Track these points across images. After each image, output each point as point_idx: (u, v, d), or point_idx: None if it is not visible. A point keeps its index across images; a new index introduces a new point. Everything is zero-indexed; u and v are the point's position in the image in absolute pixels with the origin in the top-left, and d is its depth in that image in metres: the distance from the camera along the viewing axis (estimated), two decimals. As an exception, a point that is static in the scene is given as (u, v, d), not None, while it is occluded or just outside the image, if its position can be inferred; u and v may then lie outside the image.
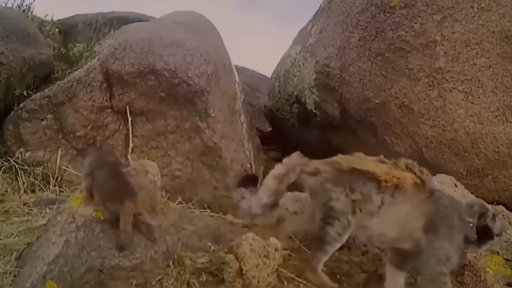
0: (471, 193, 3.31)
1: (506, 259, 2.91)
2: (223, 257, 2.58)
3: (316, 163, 2.68)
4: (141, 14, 6.22)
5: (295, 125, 4.97)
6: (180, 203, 3.52)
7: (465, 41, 3.62)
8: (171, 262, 2.52)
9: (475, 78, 3.60)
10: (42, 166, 3.73)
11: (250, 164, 4.41)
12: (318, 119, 4.49)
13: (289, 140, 5.16)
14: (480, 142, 3.61)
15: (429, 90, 3.70)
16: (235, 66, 4.83)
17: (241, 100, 4.66)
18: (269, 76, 5.85)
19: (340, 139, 4.43)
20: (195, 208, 3.58)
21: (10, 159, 3.76)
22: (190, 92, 3.90)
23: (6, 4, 4.93)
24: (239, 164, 4.27)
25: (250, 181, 2.95)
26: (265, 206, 2.72)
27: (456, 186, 3.23)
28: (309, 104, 4.52)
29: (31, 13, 5.14)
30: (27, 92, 3.97)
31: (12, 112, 3.93)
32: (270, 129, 5.78)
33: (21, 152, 3.81)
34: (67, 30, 5.54)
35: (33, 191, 3.61)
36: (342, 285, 2.72)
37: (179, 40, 4.10)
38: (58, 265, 2.31)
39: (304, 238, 3.04)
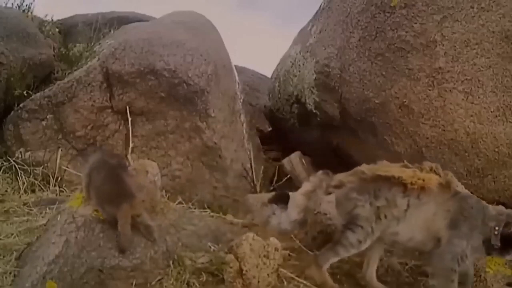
0: (471, 193, 3.30)
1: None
2: (223, 257, 2.58)
3: (340, 176, 2.75)
4: (141, 14, 6.23)
5: (295, 125, 4.97)
6: (180, 203, 3.52)
7: (465, 41, 3.61)
8: (171, 262, 2.52)
9: (475, 78, 3.60)
10: (42, 166, 3.73)
11: (250, 164, 4.41)
12: (318, 119, 4.49)
13: (289, 140, 5.16)
14: (480, 142, 3.61)
15: (429, 90, 3.70)
16: (235, 66, 4.83)
17: (241, 100, 4.66)
18: (269, 76, 5.85)
19: (340, 139, 4.43)
20: (195, 208, 3.58)
21: (10, 159, 3.77)
22: (190, 92, 3.90)
23: (6, 4, 4.95)
24: (239, 164, 4.28)
25: (281, 199, 3.00)
26: (295, 223, 2.80)
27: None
28: (309, 104, 4.52)
29: (31, 13, 5.15)
30: (27, 92, 3.97)
31: (12, 112, 3.93)
32: (270, 129, 5.78)
33: (21, 152, 3.81)
34: (67, 30, 5.54)
35: (33, 191, 3.61)
36: (342, 285, 2.72)
37: (179, 40, 4.11)
38: (58, 265, 2.31)
39: (304, 238, 3.05)
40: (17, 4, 5.05)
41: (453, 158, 3.69)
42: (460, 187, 3.01)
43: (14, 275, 2.44)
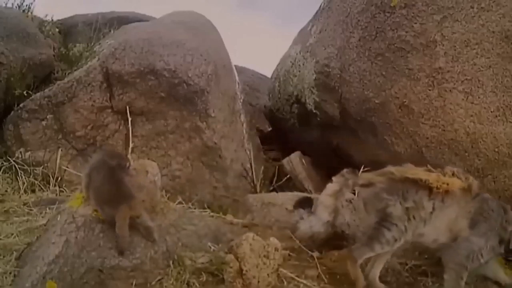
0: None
1: (506, 259, 2.91)
2: (223, 257, 2.58)
3: (368, 175, 2.81)
4: (141, 14, 6.24)
5: (295, 125, 4.96)
6: (180, 203, 3.52)
7: (465, 41, 3.61)
8: (171, 262, 2.52)
9: (475, 78, 3.60)
10: (42, 166, 3.74)
11: (250, 164, 4.41)
12: (318, 119, 4.49)
13: (289, 140, 5.16)
14: (480, 142, 3.60)
15: (429, 90, 3.70)
16: (235, 66, 4.83)
17: (241, 100, 4.66)
18: (269, 76, 5.86)
19: (340, 139, 4.43)
20: (195, 208, 3.57)
21: (10, 159, 3.77)
22: (190, 92, 3.90)
23: (6, 4, 4.95)
24: (239, 164, 4.28)
25: (306, 202, 3.03)
26: (327, 224, 2.82)
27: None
28: (309, 104, 4.52)
29: (31, 13, 5.15)
30: (27, 92, 3.98)
31: (12, 112, 3.93)
32: (270, 129, 5.78)
33: (21, 152, 3.82)
34: (67, 30, 5.55)
35: (33, 191, 3.61)
36: (342, 285, 2.73)
37: (179, 40, 4.11)
38: (58, 265, 2.31)
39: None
40: (17, 4, 5.06)
41: (453, 158, 3.69)
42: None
43: (14, 275, 2.44)
